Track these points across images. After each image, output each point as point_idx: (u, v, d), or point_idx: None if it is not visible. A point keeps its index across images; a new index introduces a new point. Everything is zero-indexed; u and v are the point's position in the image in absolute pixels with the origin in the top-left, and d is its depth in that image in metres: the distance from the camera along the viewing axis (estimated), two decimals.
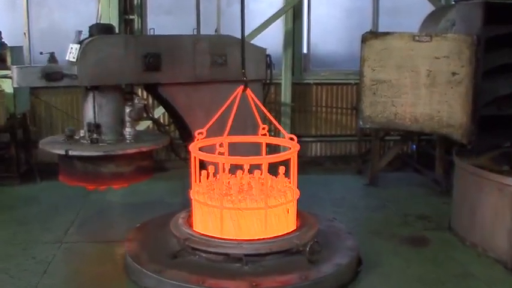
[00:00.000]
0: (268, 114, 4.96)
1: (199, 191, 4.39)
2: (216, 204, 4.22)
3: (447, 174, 8.53)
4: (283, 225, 4.38)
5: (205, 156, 4.45)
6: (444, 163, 8.75)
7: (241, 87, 4.90)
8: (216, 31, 10.34)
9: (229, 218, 4.17)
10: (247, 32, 10.17)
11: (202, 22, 10.22)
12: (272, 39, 10.46)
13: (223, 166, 4.36)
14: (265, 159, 4.05)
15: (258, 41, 9.26)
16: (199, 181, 4.55)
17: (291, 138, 4.24)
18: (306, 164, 10.40)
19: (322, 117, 11.02)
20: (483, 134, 7.00)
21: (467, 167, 6.37)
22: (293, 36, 10.63)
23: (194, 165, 4.23)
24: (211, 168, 4.57)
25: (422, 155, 10.17)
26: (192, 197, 4.32)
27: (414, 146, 10.40)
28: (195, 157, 4.33)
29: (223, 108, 5.12)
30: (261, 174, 4.42)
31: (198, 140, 4.30)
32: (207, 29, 10.20)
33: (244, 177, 4.86)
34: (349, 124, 11.02)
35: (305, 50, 11.07)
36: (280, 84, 10.52)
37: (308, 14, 10.99)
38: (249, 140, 5.19)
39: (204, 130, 4.20)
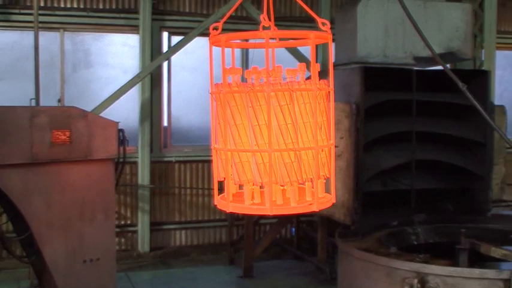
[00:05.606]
0: None
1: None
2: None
3: (332, 259, 8.68)
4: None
5: (241, 35, 3.99)
6: (327, 247, 8.90)
7: None
8: (59, 101, 10.11)
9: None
10: (95, 103, 10.19)
11: (43, 91, 9.93)
12: (127, 111, 10.39)
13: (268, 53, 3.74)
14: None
15: (110, 113, 9.16)
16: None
17: (324, 23, 3.83)
18: (169, 255, 10.22)
19: (186, 200, 10.95)
20: (368, 213, 7.19)
21: (351, 250, 6.48)
22: (151, 107, 10.63)
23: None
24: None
25: (303, 239, 10.32)
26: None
27: (293, 229, 10.54)
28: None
29: None
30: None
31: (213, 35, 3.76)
32: (48, 99, 9.94)
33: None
34: None
35: (165, 123, 11.08)
36: (136, 162, 10.38)
37: (168, 82, 11.08)
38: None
39: (220, 24, 3.71)
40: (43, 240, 6.34)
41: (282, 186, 3.52)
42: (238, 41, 3.97)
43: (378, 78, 7.27)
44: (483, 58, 12.02)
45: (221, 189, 3.70)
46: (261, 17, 3.89)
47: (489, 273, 5.62)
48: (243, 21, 10.81)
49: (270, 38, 3.71)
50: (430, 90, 7.65)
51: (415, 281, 5.68)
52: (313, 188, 3.63)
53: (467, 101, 7.66)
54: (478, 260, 6.07)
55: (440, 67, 9.09)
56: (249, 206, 3.53)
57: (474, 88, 7.74)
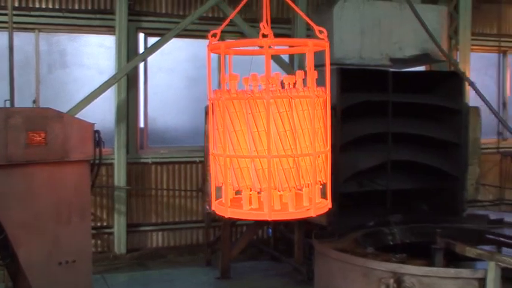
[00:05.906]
0: None
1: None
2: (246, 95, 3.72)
3: (308, 260, 8.69)
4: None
5: (241, 42, 4.05)
6: (304, 248, 8.91)
7: None
8: (34, 102, 10.02)
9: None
10: (71, 104, 10.10)
11: (17, 92, 9.81)
12: (103, 113, 10.33)
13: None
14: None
15: (85, 114, 9.10)
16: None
17: (320, 31, 3.90)
18: (146, 257, 10.18)
19: (163, 202, 10.91)
20: (344, 214, 7.23)
21: (327, 251, 6.50)
22: (127, 108, 10.57)
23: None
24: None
25: (279, 240, 10.32)
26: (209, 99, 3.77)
27: (270, 231, 10.53)
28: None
29: None
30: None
31: (211, 42, 3.80)
32: (23, 100, 9.83)
33: None
34: (195, 208, 11.00)
35: (142, 124, 11.03)
36: (112, 164, 10.32)
37: (145, 83, 11.03)
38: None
39: (218, 31, 3.80)
40: (18, 242, 6.28)
41: (279, 191, 3.53)
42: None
43: (354, 79, 7.31)
44: (458, 60, 12.12)
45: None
46: (261, 24, 3.93)
47: (464, 272, 5.68)
48: (220, 22, 10.77)
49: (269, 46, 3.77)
50: (406, 91, 7.70)
51: (391, 280, 5.72)
52: (310, 193, 3.66)
53: (443, 103, 7.78)
54: (453, 260, 6.13)
55: (416, 69, 9.20)
56: (247, 211, 3.53)
57: (449, 89, 7.86)
